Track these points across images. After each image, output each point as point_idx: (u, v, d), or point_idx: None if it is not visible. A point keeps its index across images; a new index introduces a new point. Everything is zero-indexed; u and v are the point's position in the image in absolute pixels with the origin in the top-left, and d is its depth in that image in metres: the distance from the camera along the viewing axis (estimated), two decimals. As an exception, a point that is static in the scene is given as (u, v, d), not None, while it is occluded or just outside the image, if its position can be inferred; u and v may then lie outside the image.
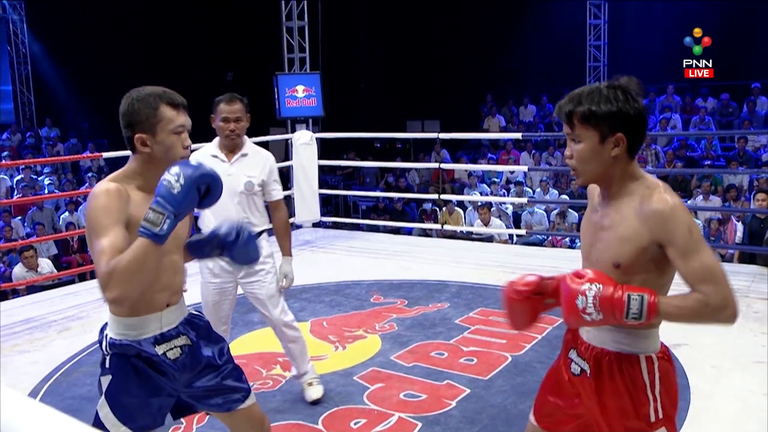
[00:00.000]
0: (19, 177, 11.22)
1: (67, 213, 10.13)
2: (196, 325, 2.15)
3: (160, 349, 2.01)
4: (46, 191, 10.74)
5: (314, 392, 3.48)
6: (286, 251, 3.46)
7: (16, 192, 10.78)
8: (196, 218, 3.46)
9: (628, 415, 1.79)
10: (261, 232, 3.38)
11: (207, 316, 3.34)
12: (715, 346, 3.98)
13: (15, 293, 6.62)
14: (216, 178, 1.81)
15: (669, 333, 4.22)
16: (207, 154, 3.38)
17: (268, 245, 3.41)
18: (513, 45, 14.85)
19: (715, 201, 8.69)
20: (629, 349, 1.79)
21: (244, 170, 3.34)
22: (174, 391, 2.08)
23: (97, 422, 2.01)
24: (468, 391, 3.52)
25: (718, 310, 1.66)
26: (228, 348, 2.23)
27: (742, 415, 3.18)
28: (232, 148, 3.36)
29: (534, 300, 1.84)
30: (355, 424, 3.23)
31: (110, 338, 2.02)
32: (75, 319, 4.97)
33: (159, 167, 1.91)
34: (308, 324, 4.65)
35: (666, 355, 1.83)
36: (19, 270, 7.06)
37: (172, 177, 1.74)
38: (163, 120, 1.94)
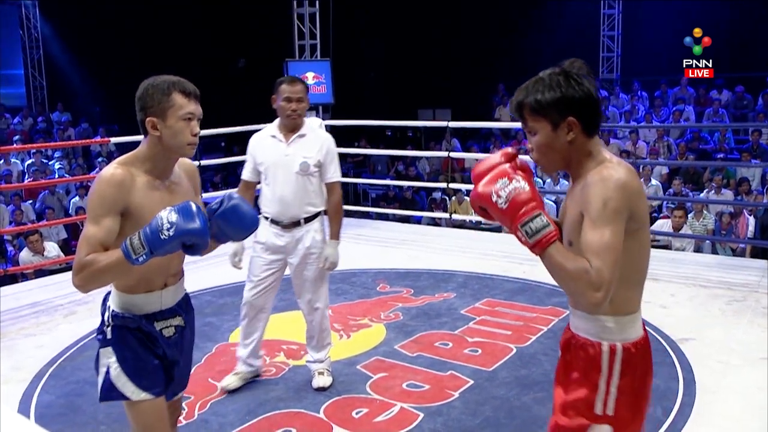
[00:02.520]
0: (30, 161, 11.25)
1: (77, 197, 10.15)
2: (190, 307, 2.27)
3: (157, 326, 2.12)
4: (56, 175, 10.77)
5: (321, 381, 3.48)
6: (333, 234, 3.51)
7: (26, 176, 10.82)
8: (257, 197, 3.57)
9: (576, 400, 1.75)
10: (318, 214, 3.46)
11: (247, 292, 3.50)
12: (722, 341, 3.94)
13: (24, 277, 6.65)
14: (203, 238, 1.85)
15: (676, 327, 4.22)
16: (267, 135, 3.46)
17: (323, 230, 3.49)
18: (526, 34, 14.71)
19: (727, 194, 8.59)
20: (594, 336, 1.75)
21: (300, 151, 3.38)
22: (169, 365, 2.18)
23: (111, 392, 2.09)
24: (471, 382, 3.50)
25: (592, 286, 1.58)
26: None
27: (747, 411, 3.15)
28: (291, 128, 3.40)
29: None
30: (356, 413, 3.22)
31: (113, 310, 2.11)
32: (81, 304, 4.98)
33: (167, 152, 2.06)
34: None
35: (639, 350, 1.75)
36: (25, 254, 7.08)
37: (166, 223, 1.81)
38: (174, 106, 2.02)
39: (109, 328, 2.10)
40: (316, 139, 3.43)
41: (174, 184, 2.12)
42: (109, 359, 2.08)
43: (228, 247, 3.13)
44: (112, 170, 2.00)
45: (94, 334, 4.29)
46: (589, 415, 1.74)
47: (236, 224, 2.05)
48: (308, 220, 3.43)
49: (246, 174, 3.51)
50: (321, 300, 3.51)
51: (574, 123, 1.70)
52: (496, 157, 1.72)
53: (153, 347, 2.11)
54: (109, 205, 1.95)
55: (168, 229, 1.81)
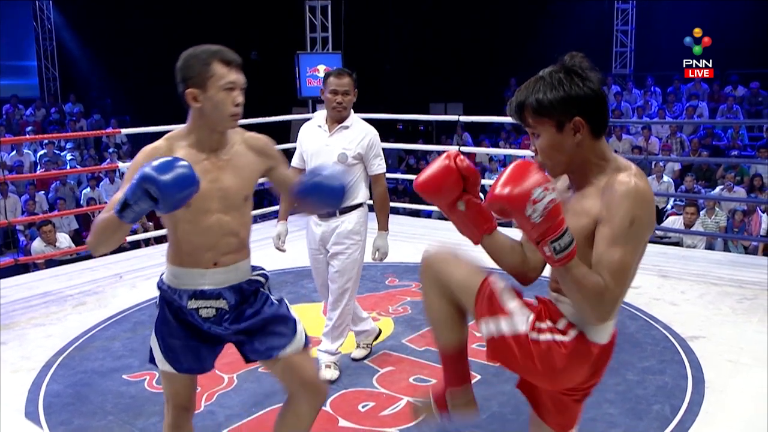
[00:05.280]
0: (42, 152, 11.31)
1: (88, 188, 10.20)
2: (244, 291, 2.14)
3: (193, 304, 2.07)
4: (68, 166, 10.82)
5: (327, 374, 3.49)
6: (382, 225, 3.62)
7: (39, 166, 10.88)
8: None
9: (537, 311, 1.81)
10: (357, 206, 3.53)
11: (314, 278, 3.69)
12: (732, 340, 3.91)
13: (35, 267, 6.69)
14: (165, 190, 1.71)
15: (686, 325, 4.18)
16: (314, 124, 3.57)
17: (361, 223, 3.55)
18: (538, 29, 14.63)
19: (740, 192, 8.53)
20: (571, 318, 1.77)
21: (341, 142, 3.46)
22: (216, 338, 2.15)
23: (151, 356, 2.18)
24: (478, 377, 3.49)
25: (604, 304, 1.58)
26: (279, 306, 2.19)
27: (757, 411, 3.12)
28: (337, 120, 3.48)
29: (456, 179, 1.78)
30: (363, 407, 3.21)
31: (160, 279, 2.15)
32: (91, 294, 5.01)
33: (209, 124, 2.00)
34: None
35: (598, 352, 1.75)
36: (37, 244, 7.12)
37: (139, 170, 1.74)
38: (214, 76, 1.96)
39: (158, 297, 2.15)
40: (360, 131, 3.50)
41: (225, 160, 2.06)
42: (155, 324, 2.15)
43: (272, 230, 3.24)
44: (152, 144, 2.02)
45: (103, 325, 4.34)
46: (533, 315, 1.77)
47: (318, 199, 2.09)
48: (345, 211, 3.49)
49: (294, 161, 3.63)
50: (347, 291, 3.52)
51: (582, 123, 1.63)
52: (525, 165, 1.57)
53: (187, 323, 2.10)
54: (133, 173, 1.91)
55: (138, 174, 1.73)
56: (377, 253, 3.62)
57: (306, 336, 2.21)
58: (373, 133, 3.54)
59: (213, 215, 2.03)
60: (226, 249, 2.08)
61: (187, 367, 2.13)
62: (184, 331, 2.11)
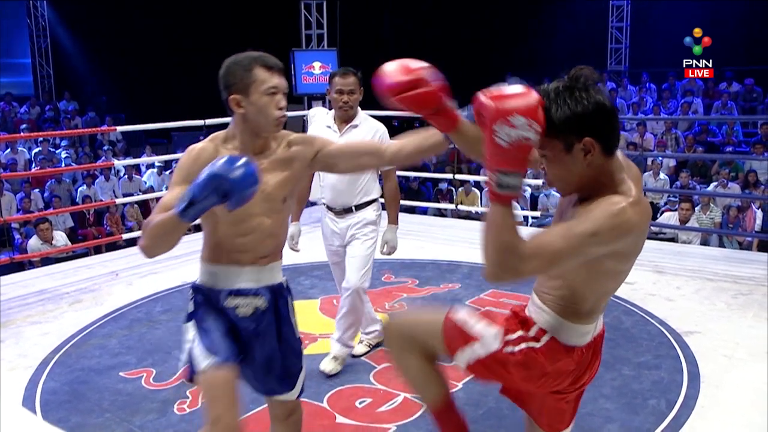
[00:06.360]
0: (37, 150, 11.28)
1: (84, 186, 10.18)
2: (281, 294, 2.16)
3: (232, 302, 2.07)
4: (63, 164, 10.79)
5: (328, 366, 3.50)
6: (392, 219, 3.68)
7: (33, 164, 10.85)
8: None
9: (503, 319, 1.86)
10: (371, 201, 3.57)
11: (334, 276, 3.73)
12: (727, 336, 3.93)
13: (30, 265, 6.68)
14: (237, 185, 1.73)
15: (682, 320, 4.20)
16: (323, 125, 3.58)
17: (376, 215, 3.60)
18: (534, 25, 14.66)
19: (735, 188, 8.55)
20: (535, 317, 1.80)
21: (352, 141, 3.44)
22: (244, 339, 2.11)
23: (191, 371, 2.00)
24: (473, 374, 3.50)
25: (501, 264, 1.47)
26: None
27: (752, 405, 3.13)
28: (345, 119, 3.50)
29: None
30: (360, 403, 3.22)
31: (194, 282, 2.13)
32: (87, 292, 5.00)
33: (254, 128, 2.02)
34: (318, 302, 4.65)
35: (568, 353, 1.75)
36: (34, 242, 7.12)
37: (207, 168, 1.74)
38: (256, 81, 1.98)
39: (191, 302, 2.10)
40: (369, 129, 3.53)
41: (269, 163, 2.06)
42: (189, 335, 2.04)
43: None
44: (197, 145, 2.03)
45: (100, 323, 4.34)
46: (503, 328, 1.80)
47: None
48: (360, 207, 3.54)
49: None
50: (361, 279, 3.50)
51: (592, 144, 1.53)
52: (530, 95, 1.48)
53: (226, 318, 2.06)
54: (184, 174, 1.96)
55: (204, 173, 1.74)
56: (386, 246, 3.67)
57: (303, 387, 2.26)
58: (382, 129, 3.56)
59: (255, 219, 2.05)
60: (264, 251, 2.10)
61: (226, 357, 1.99)
62: (223, 324, 2.07)
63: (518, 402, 2.01)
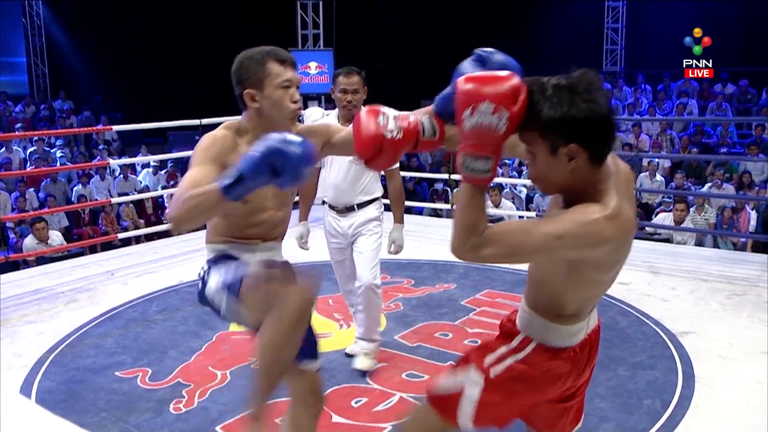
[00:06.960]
0: (32, 149, 11.25)
1: (79, 185, 10.16)
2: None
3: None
4: (58, 164, 10.76)
5: (365, 363, 3.54)
6: (397, 218, 3.69)
7: (29, 163, 10.82)
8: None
9: (479, 347, 1.84)
10: (373, 200, 3.58)
11: (336, 274, 3.71)
12: (722, 336, 3.94)
13: (25, 264, 6.67)
14: (295, 160, 1.65)
15: (677, 321, 4.21)
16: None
17: (379, 212, 3.61)
18: (530, 26, 14.67)
19: (729, 189, 8.58)
20: (521, 326, 1.80)
21: None
22: None
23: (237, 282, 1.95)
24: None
25: (464, 243, 1.50)
26: None
27: (747, 406, 3.15)
28: (348, 119, 3.48)
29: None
30: (356, 402, 3.22)
31: (206, 261, 2.12)
32: (82, 291, 5.00)
33: (268, 122, 2.01)
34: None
35: (555, 357, 1.73)
36: (29, 241, 7.10)
37: (260, 143, 1.67)
38: (270, 75, 1.99)
39: (211, 260, 2.09)
40: None
41: None
42: (217, 273, 2.01)
43: (294, 230, 3.23)
44: (215, 131, 2.01)
45: (95, 322, 4.33)
46: (477, 360, 1.77)
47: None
48: (362, 205, 3.56)
49: None
50: (372, 276, 3.48)
51: (578, 151, 1.46)
52: (512, 84, 1.45)
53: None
54: (212, 155, 1.93)
55: (257, 149, 1.65)
56: (393, 245, 3.68)
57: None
58: None
59: (268, 212, 2.10)
60: (278, 233, 2.19)
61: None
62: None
63: (527, 421, 1.97)
